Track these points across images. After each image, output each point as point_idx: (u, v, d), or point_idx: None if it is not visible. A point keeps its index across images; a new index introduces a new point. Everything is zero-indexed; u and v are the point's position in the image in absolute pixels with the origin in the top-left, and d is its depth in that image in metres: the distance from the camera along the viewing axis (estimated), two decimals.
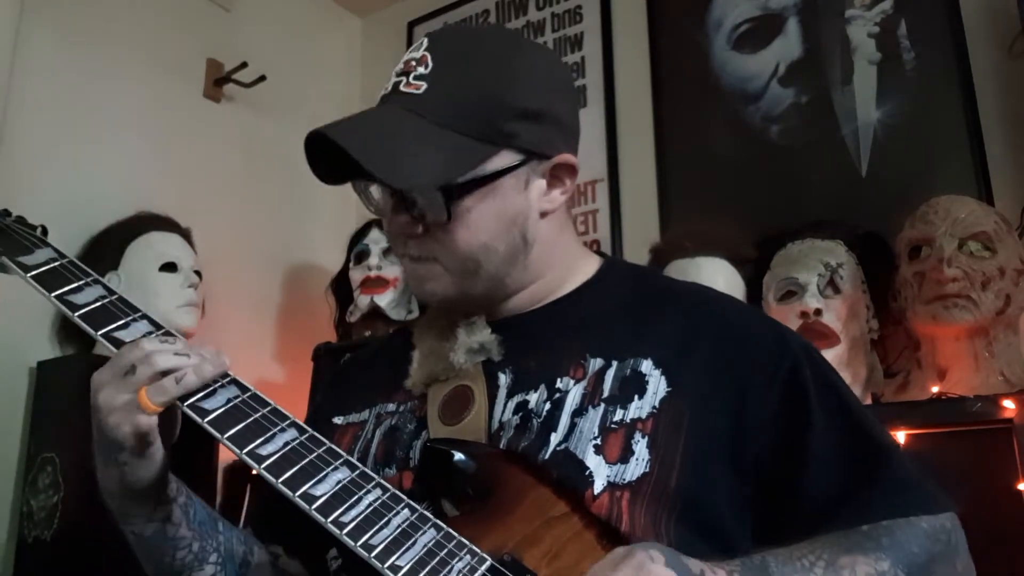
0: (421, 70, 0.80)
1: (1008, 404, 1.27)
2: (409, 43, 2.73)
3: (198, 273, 1.93)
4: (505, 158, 0.80)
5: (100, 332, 0.78)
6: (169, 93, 2.21)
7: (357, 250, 2.17)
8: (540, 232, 0.85)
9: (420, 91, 0.79)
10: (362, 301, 2.11)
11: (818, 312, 1.54)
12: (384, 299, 2.09)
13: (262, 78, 2.32)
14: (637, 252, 1.91)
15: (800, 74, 2.00)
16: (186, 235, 1.97)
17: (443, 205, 0.77)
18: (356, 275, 2.14)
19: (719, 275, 1.68)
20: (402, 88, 0.80)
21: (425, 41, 0.83)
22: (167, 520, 0.80)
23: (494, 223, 0.81)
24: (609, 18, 2.33)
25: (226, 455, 1.90)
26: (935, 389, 1.49)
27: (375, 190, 0.85)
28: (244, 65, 2.28)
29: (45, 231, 0.91)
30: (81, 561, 1.59)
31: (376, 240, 2.15)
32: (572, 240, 0.91)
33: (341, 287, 2.20)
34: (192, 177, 2.22)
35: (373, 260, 2.11)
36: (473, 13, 2.61)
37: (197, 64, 2.31)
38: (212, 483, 1.92)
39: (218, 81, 2.32)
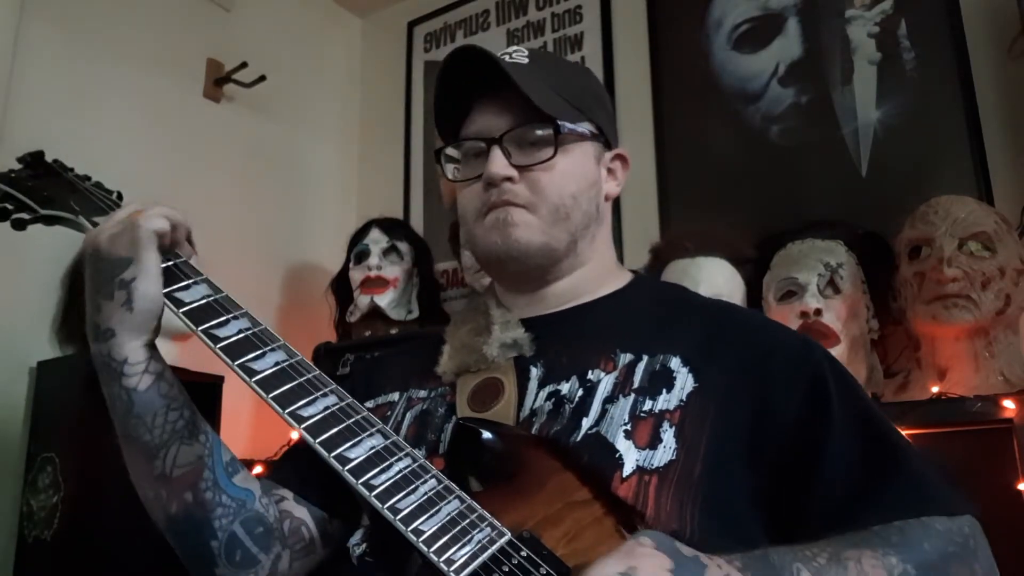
0: (519, 56, 0.91)
1: (1008, 404, 1.27)
2: (409, 43, 2.73)
3: None
4: (589, 126, 0.92)
5: (164, 292, 0.80)
6: (169, 93, 2.22)
7: (357, 250, 2.17)
8: (604, 214, 0.94)
9: (525, 62, 0.90)
10: (362, 301, 2.11)
11: (818, 312, 1.54)
12: (384, 299, 2.09)
13: (262, 78, 2.32)
14: (637, 252, 1.90)
15: (800, 74, 2.00)
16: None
17: (553, 142, 0.86)
18: (356, 275, 2.14)
19: (719, 275, 1.68)
20: (507, 59, 0.89)
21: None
22: (161, 376, 0.78)
23: (581, 178, 0.90)
24: (609, 18, 2.33)
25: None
26: (935, 389, 1.49)
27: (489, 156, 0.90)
28: (244, 65, 2.29)
29: (120, 196, 0.97)
30: (81, 561, 1.59)
31: (376, 240, 2.15)
32: (611, 248, 0.98)
33: (341, 287, 2.20)
34: (192, 177, 2.22)
35: (373, 260, 2.12)
36: (473, 13, 2.60)
37: (197, 64, 2.31)
38: None
39: (218, 81, 2.33)
